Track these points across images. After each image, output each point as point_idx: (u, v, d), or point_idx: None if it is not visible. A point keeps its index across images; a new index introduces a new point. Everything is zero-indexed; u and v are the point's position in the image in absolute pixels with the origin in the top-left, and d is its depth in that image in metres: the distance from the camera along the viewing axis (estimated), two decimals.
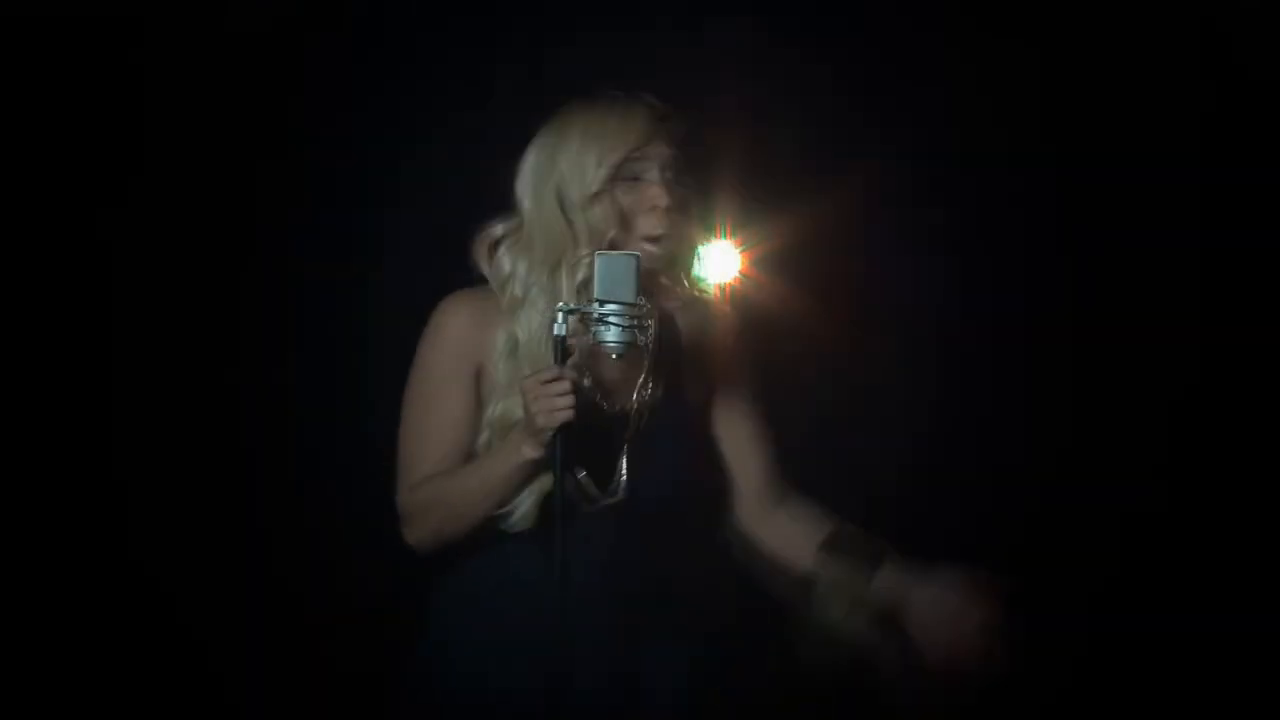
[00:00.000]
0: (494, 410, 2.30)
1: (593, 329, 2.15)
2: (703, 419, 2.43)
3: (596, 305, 2.14)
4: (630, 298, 2.13)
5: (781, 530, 2.44)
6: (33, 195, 3.13)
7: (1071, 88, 3.35)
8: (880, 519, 3.33)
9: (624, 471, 2.28)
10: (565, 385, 2.13)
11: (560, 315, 2.15)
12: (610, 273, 2.14)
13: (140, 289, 3.20)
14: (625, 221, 2.30)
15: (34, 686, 3.10)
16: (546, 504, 2.24)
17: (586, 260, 2.26)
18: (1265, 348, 3.36)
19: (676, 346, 2.40)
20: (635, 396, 2.30)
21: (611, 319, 2.13)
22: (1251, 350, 3.37)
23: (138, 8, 3.12)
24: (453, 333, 2.33)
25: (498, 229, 2.34)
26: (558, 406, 2.12)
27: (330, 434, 3.29)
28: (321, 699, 3.18)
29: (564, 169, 2.30)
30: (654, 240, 2.30)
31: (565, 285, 2.29)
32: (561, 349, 2.15)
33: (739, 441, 2.45)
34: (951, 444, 3.43)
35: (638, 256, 2.16)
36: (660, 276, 2.37)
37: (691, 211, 2.36)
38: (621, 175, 2.29)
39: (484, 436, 2.31)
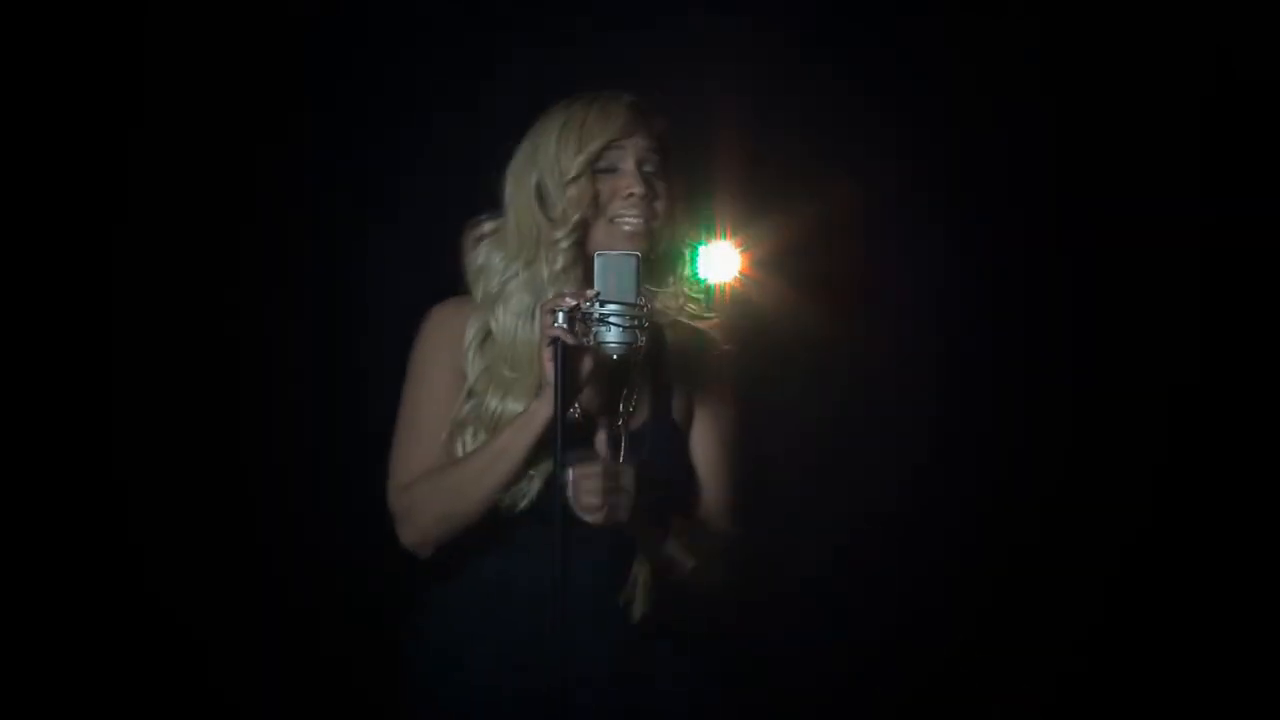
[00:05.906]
0: (465, 407, 2.31)
1: (593, 329, 2.16)
2: (685, 438, 2.42)
3: (597, 305, 2.15)
4: (631, 297, 2.15)
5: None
6: (28, 193, 3.13)
7: (1074, 85, 3.35)
8: (880, 518, 3.37)
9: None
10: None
11: (561, 316, 2.15)
12: (610, 272, 2.16)
13: (136, 287, 3.19)
14: (600, 209, 2.32)
15: (33, 687, 3.10)
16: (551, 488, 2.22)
17: (564, 248, 2.30)
18: (1266, 345, 3.37)
19: (664, 361, 2.41)
20: (620, 412, 2.34)
21: (612, 319, 2.15)
22: (1252, 345, 3.37)
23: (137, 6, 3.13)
24: (441, 338, 2.37)
25: (486, 225, 2.38)
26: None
27: (329, 433, 3.28)
28: (321, 699, 3.18)
29: (543, 162, 2.33)
30: (627, 228, 2.31)
31: (546, 273, 2.31)
32: (561, 352, 2.15)
33: (703, 474, 2.42)
34: (952, 442, 3.42)
35: (638, 256, 2.18)
36: (651, 284, 2.34)
37: (673, 210, 2.36)
38: (599, 166, 2.32)
39: (468, 432, 2.31)
